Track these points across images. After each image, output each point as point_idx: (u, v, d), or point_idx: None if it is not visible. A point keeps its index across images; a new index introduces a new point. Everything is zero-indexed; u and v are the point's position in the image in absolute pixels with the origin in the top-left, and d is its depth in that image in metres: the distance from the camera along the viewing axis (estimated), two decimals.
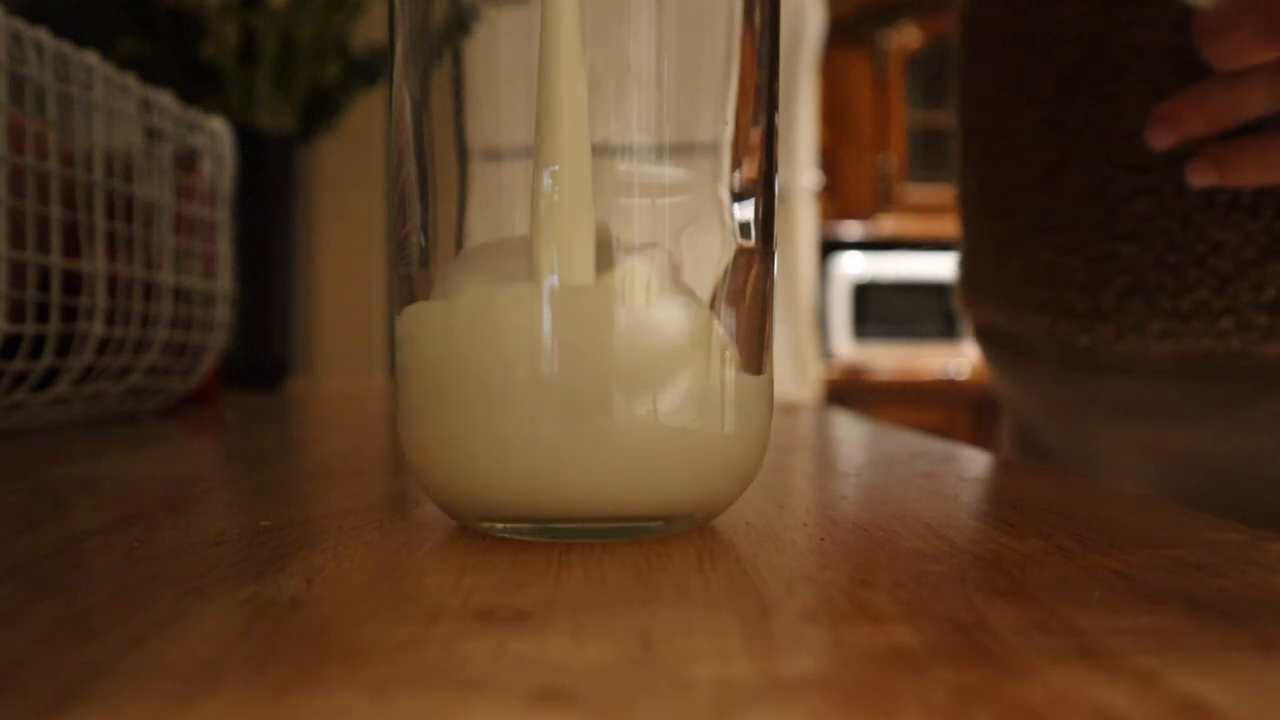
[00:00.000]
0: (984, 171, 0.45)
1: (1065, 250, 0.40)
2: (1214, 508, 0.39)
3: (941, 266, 2.53)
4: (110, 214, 0.46)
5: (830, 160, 2.43)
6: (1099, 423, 0.42)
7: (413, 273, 0.21)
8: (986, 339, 0.48)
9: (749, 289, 0.21)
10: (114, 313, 0.47)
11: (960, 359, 2.41)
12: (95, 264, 0.45)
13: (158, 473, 0.32)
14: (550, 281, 0.19)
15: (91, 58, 0.45)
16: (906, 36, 2.47)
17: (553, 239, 0.19)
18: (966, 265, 0.47)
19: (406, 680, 0.13)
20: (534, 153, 0.19)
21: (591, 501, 0.20)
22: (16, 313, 0.41)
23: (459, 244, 0.21)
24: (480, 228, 0.21)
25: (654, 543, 0.21)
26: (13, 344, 0.41)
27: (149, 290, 0.50)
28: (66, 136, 0.44)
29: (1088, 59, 0.38)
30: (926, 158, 2.52)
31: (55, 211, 0.42)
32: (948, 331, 2.53)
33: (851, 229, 2.50)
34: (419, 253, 0.21)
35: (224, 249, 0.57)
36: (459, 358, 0.20)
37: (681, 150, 0.20)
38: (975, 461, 0.36)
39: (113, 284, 0.46)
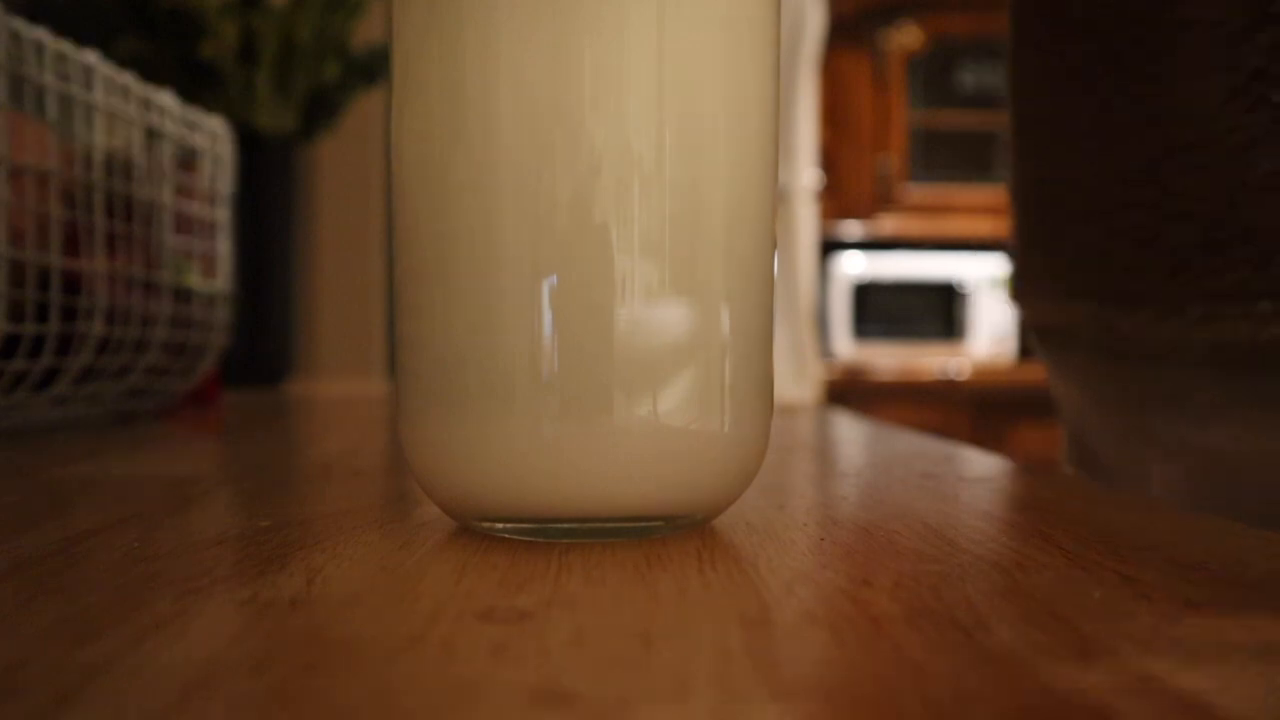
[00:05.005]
0: (1033, 160, 0.44)
1: (1111, 234, 0.39)
2: (1245, 510, 0.38)
3: (942, 266, 2.53)
4: (110, 214, 0.46)
5: (830, 160, 2.43)
6: (1139, 416, 0.41)
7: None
8: (1039, 335, 0.47)
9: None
10: (114, 313, 0.47)
11: (960, 359, 2.41)
12: (95, 264, 0.45)
13: (158, 473, 0.32)
14: None
15: (91, 58, 0.45)
16: (906, 36, 2.47)
17: None
18: (1018, 258, 0.46)
19: (406, 680, 0.13)
20: None
21: (591, 501, 0.20)
22: (16, 313, 0.41)
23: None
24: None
25: (654, 543, 0.21)
26: (13, 344, 0.41)
27: (149, 290, 0.50)
28: (66, 136, 0.44)
29: (1136, 39, 0.38)
30: (926, 158, 2.52)
31: (55, 211, 0.42)
32: (948, 331, 2.53)
33: (851, 229, 2.50)
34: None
35: (224, 249, 0.57)
36: (459, 355, 0.20)
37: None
38: (975, 461, 0.36)
39: (113, 284, 0.47)
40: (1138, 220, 0.38)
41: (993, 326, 2.50)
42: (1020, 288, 0.46)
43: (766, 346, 0.22)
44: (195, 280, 0.54)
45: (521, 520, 0.21)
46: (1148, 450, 0.42)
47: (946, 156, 2.53)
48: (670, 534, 0.21)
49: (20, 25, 0.41)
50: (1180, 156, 0.36)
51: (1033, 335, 0.47)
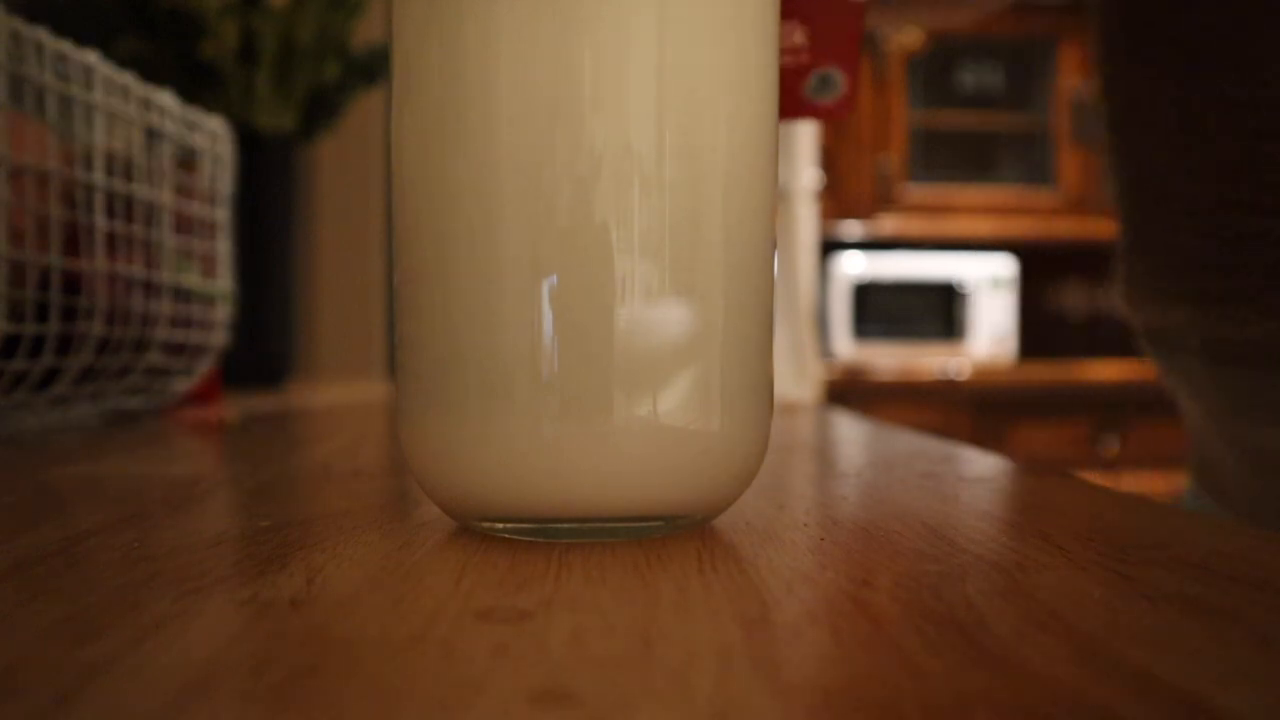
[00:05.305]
0: (1128, 161, 0.44)
1: (1206, 233, 0.38)
2: None
3: (942, 266, 2.53)
4: (110, 214, 0.46)
5: (830, 160, 2.43)
6: (1246, 422, 0.40)
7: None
8: (1150, 342, 0.45)
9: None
10: (114, 313, 0.47)
11: (960, 359, 2.41)
12: (95, 264, 0.45)
13: (158, 473, 0.32)
14: None
15: (91, 58, 0.45)
16: (906, 36, 2.46)
17: None
18: (1123, 262, 0.45)
19: (406, 680, 0.13)
20: None
21: (591, 501, 0.20)
22: (16, 313, 0.41)
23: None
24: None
25: (654, 543, 0.21)
26: (13, 344, 0.41)
27: (149, 290, 0.50)
28: (66, 136, 0.44)
29: (1221, 29, 0.37)
30: (926, 158, 2.52)
31: (55, 211, 0.42)
32: (948, 331, 2.53)
33: (851, 229, 2.50)
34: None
35: (224, 249, 0.57)
36: (459, 355, 0.20)
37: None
38: (975, 461, 0.36)
39: (113, 284, 0.46)
40: (1229, 217, 0.37)
41: (993, 326, 2.50)
42: (1127, 292, 0.45)
43: (766, 346, 0.22)
44: (195, 280, 0.54)
45: (521, 520, 0.21)
46: (1260, 460, 0.40)
47: (946, 156, 2.53)
48: (670, 534, 0.21)
49: (20, 25, 0.41)
50: (1275, 146, 0.35)
51: (1143, 340, 0.46)
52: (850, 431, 0.51)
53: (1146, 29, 0.41)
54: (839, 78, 0.32)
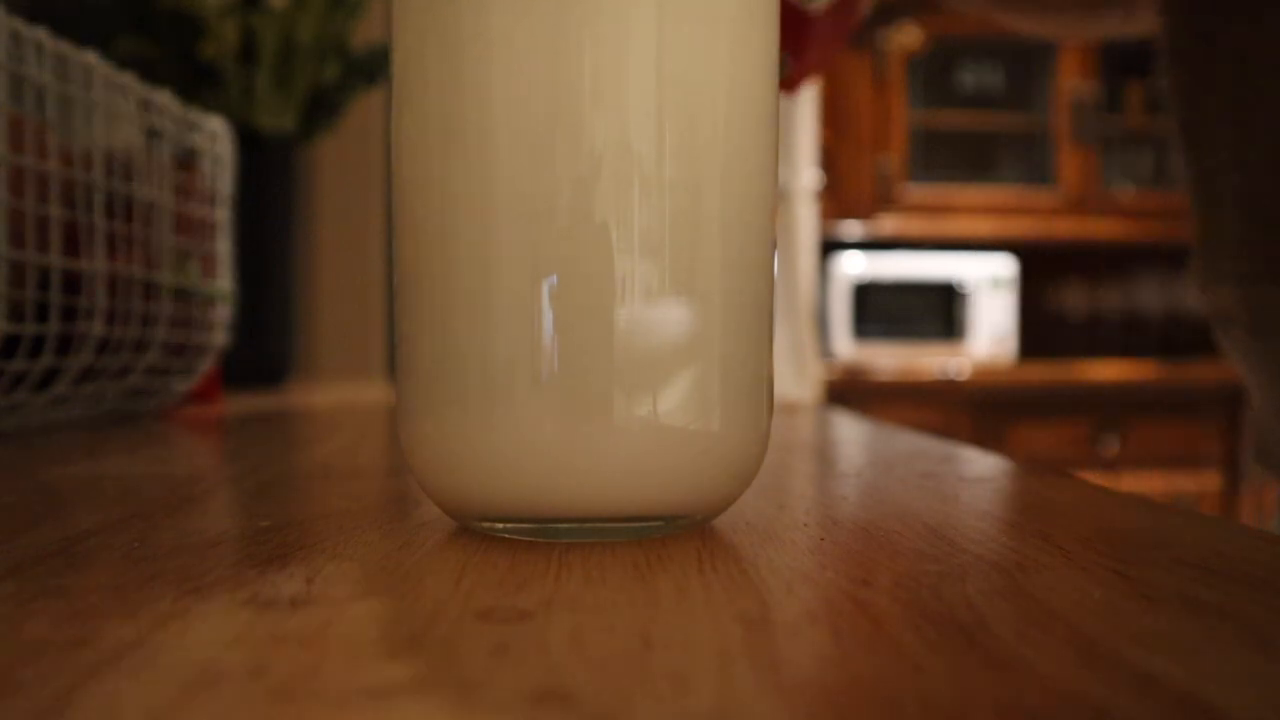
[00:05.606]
0: (1193, 156, 0.48)
1: (1253, 220, 0.43)
2: None
3: (942, 266, 2.53)
4: (110, 214, 0.46)
5: (830, 160, 2.43)
6: None
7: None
8: (1215, 324, 0.49)
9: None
10: (114, 313, 0.47)
11: (960, 359, 2.41)
12: (95, 264, 0.45)
13: (158, 473, 0.32)
14: None
15: (91, 58, 0.45)
16: (906, 36, 2.46)
17: None
18: (1196, 256, 0.50)
19: (406, 680, 0.13)
20: None
21: (591, 501, 0.20)
22: (16, 313, 0.41)
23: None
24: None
25: (654, 543, 0.21)
26: (13, 344, 0.41)
27: (149, 290, 0.50)
28: (66, 136, 0.44)
29: (1266, 36, 0.41)
30: (926, 158, 2.52)
31: (55, 211, 0.42)
32: (948, 331, 2.53)
33: (851, 229, 2.50)
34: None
35: (224, 249, 0.57)
36: (459, 355, 0.20)
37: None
38: (975, 461, 0.36)
39: (113, 284, 0.47)
40: (1274, 205, 0.42)
41: (993, 326, 2.50)
42: (1199, 280, 0.49)
43: (766, 346, 0.22)
44: (195, 280, 0.54)
45: (521, 520, 0.21)
46: None
47: (946, 156, 2.53)
48: (670, 534, 0.21)
49: (20, 25, 0.41)
50: None
51: (1212, 325, 0.50)
52: (850, 431, 0.51)
53: (1212, 39, 0.45)
54: (786, 60, 0.38)
